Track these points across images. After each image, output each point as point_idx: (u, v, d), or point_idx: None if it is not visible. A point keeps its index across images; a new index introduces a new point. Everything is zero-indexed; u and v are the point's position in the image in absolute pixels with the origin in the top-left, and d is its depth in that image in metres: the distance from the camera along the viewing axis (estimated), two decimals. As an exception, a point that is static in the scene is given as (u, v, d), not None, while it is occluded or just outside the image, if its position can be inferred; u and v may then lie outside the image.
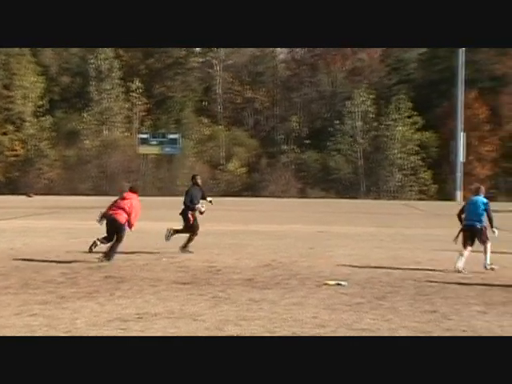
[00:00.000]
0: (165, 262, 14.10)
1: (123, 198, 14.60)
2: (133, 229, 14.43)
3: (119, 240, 14.15)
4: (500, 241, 20.92)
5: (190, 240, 15.84)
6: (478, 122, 66.69)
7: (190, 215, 15.86)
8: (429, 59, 72.98)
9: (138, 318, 8.37)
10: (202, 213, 16.05)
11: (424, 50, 71.56)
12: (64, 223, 25.41)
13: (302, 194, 66.14)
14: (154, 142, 68.78)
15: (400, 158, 67.88)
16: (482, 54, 66.55)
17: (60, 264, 13.47)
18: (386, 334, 7.65)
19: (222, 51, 76.12)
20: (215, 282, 11.47)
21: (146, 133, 70.22)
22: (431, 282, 11.82)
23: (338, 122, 69.44)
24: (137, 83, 71.52)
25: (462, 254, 13.54)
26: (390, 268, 13.54)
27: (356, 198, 64.04)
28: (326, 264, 14.04)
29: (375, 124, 69.07)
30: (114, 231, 14.15)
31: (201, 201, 16.24)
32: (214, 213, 32.79)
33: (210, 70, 77.52)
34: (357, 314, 8.81)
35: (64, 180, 68.68)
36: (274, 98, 77.15)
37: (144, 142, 68.96)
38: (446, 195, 63.82)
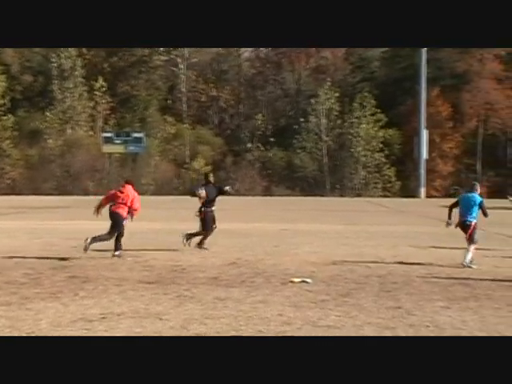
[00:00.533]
0: (130, 261, 14.04)
1: (121, 192, 15.11)
2: (136, 214, 15.10)
3: (112, 234, 14.73)
4: (457, 236, 21.19)
5: (205, 237, 16.12)
6: (441, 119, 67.44)
7: (198, 214, 16.14)
8: (391, 57, 73.60)
9: (103, 317, 8.32)
10: (200, 197, 16.13)
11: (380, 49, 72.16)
12: (28, 223, 25.14)
13: (267, 192, 66.29)
14: (119, 141, 68.37)
15: (364, 155, 68.36)
16: (443, 52, 67.30)
17: (23, 265, 13.33)
18: (351, 330, 7.70)
19: (186, 49, 75.91)
20: (180, 280, 11.44)
21: (110, 132, 69.78)
22: (395, 278, 11.93)
23: (302, 119, 69.73)
24: (100, 82, 71.03)
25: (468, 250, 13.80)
26: (355, 265, 13.63)
27: (321, 195, 64.37)
28: (291, 262, 14.09)
29: (339, 122, 69.47)
30: (119, 224, 14.75)
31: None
32: (179, 212, 32.72)
33: (175, 69, 77.26)
34: (322, 310, 8.85)
35: (27, 179, 67.99)
36: (238, 96, 77.19)
37: (108, 140, 68.52)
38: (409, 192, 64.45)
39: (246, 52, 79.56)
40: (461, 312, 8.88)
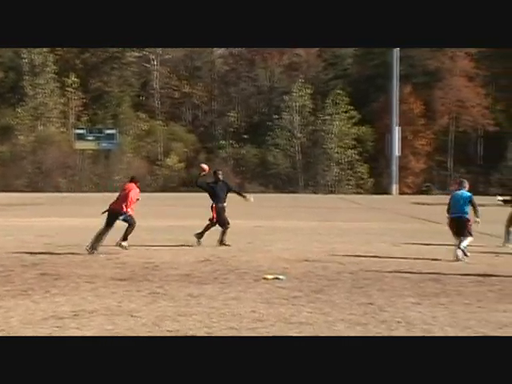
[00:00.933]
0: (102, 258, 13.97)
1: (123, 189, 15.49)
2: (129, 211, 15.13)
3: (131, 226, 15.14)
4: (429, 232, 21.40)
5: (223, 233, 16.37)
6: (413, 116, 67.90)
7: (213, 212, 16.35)
8: (364, 55, 73.93)
9: (75, 315, 8.28)
10: (204, 170, 16.71)
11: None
12: (-2, 221, 24.93)
13: (241, 189, 66.35)
14: (91, 138, 67.98)
15: (337, 152, 68.63)
16: (416, 49, 67.77)
17: (-6, 262, 13.21)
18: (323, 326, 7.74)
19: (159, 46, 75.68)
20: (153, 278, 11.41)
21: (83, 128, 69.34)
22: (367, 274, 12.00)
23: (275, 116, 69.83)
24: (72, 78, 70.51)
25: (457, 245, 14.18)
26: (328, 261, 13.69)
27: (294, 192, 64.53)
28: (264, 258, 14.11)
29: (313, 119, 69.66)
30: (114, 220, 15.03)
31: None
32: (153, 208, 32.61)
33: (147, 65, 76.96)
34: (294, 307, 8.88)
35: (-2, 176, 67.36)
36: (211, 93, 77.10)
37: (80, 137, 68.09)
38: (381, 189, 64.85)
39: (219, 49, 79.48)
40: (432, 308, 8.96)
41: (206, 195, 16.89)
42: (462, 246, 14.16)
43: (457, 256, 14.06)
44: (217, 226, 16.56)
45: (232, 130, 73.31)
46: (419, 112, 68.28)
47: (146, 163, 69.35)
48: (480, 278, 11.67)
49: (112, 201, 15.54)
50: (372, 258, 14.30)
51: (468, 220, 14.46)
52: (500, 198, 17.49)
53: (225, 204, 16.70)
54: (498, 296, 9.98)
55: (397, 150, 64.21)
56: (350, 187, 68.40)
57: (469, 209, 14.56)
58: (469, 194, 14.66)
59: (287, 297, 9.65)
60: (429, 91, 68.49)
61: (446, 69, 69.56)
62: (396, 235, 20.05)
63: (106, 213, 15.22)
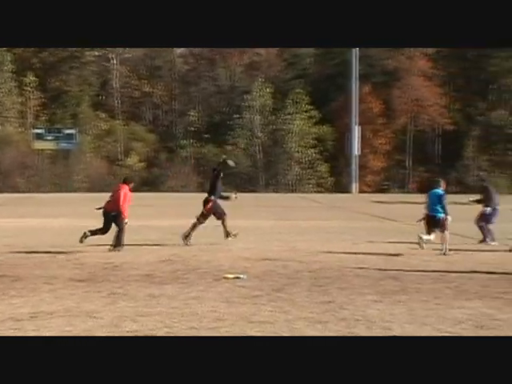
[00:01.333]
0: (61, 259, 13.84)
1: (116, 190, 15.60)
2: (126, 216, 15.31)
3: (120, 229, 15.20)
4: (388, 230, 21.62)
5: (224, 226, 16.67)
6: (372, 115, 68.42)
7: (208, 205, 16.64)
8: (324, 54, 74.29)
9: (33, 317, 8.20)
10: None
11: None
12: (-45, 222, 24.52)
13: (202, 189, 66.16)
14: (50, 137, 67.21)
15: (298, 151, 68.86)
16: (374, 49, 68.33)
17: (-50, 264, 13.01)
18: (284, 325, 7.78)
19: (119, 45, 75.06)
20: (113, 278, 11.35)
21: (41, 128, 68.52)
22: (327, 273, 12.08)
23: (236, 116, 69.82)
24: (30, 77, 69.64)
25: (421, 237, 15.08)
26: (288, 260, 13.75)
27: (255, 191, 64.57)
28: (225, 258, 14.12)
29: (273, 118, 69.81)
30: (110, 222, 15.24)
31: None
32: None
33: (107, 64, 76.36)
34: (255, 306, 8.91)
35: (-45, 177, 66.24)
36: (172, 93, 76.77)
37: (39, 137, 67.29)
38: (342, 187, 65.25)
39: (180, 48, 79.19)
40: (391, 305, 9.06)
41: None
42: (445, 252, 14.78)
43: (421, 244, 14.98)
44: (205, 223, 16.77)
45: (193, 129, 73.10)
46: (378, 111, 68.86)
47: (106, 163, 68.81)
48: (437, 275, 11.84)
49: (104, 202, 15.67)
50: (332, 257, 14.40)
51: (442, 220, 15.05)
52: (471, 199, 18.35)
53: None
54: (455, 293, 10.14)
55: (356, 149, 64.65)
56: (310, 186, 68.67)
57: (443, 206, 15.14)
58: (441, 192, 15.33)
59: (248, 296, 9.68)
60: (388, 90, 69.09)
61: (404, 68, 70.23)
62: (356, 233, 20.21)
63: (102, 214, 15.43)
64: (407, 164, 70.56)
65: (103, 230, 15.48)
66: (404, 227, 22.54)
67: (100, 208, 15.60)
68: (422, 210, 15.98)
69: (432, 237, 15.18)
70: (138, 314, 8.32)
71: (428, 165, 67.77)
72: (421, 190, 56.12)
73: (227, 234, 16.74)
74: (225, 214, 16.82)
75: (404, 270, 12.37)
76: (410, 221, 23.90)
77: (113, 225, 15.40)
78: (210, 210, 16.70)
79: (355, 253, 15.15)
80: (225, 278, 11.37)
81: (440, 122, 69.18)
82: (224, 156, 17.93)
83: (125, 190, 15.47)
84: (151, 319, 8.04)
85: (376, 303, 9.20)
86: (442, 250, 14.90)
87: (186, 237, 16.53)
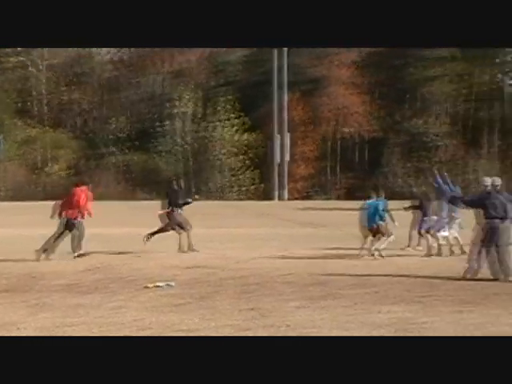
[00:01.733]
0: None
1: (72, 195, 15.67)
2: (91, 214, 15.72)
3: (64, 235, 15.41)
4: (314, 236, 21.86)
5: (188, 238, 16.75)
6: (299, 122, 69.11)
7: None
8: (252, 61, 74.68)
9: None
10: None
11: (247, 51, 73.12)
12: None
13: (130, 196, 65.59)
14: (-27, 145, 65.61)
15: (224, 158, 68.96)
16: (301, 56, 69.10)
17: None
18: (209, 333, 7.83)
19: (45, 50, 73.80)
20: (37, 288, 11.21)
21: (-36, 135, 66.81)
22: (254, 280, 12.19)
23: (164, 122, 69.51)
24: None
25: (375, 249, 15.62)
26: (216, 267, 13.81)
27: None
28: (153, 266, 14.10)
29: (200, 125, 69.74)
30: (69, 229, 15.38)
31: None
32: (36, 217, 31.80)
33: (33, 69, 75.00)
34: (180, 314, 8.95)
35: None
36: (99, 99, 75.92)
37: (-38, 145, 65.60)
38: (268, 195, 65.62)
39: (108, 54, 78.32)
40: (314, 311, 9.21)
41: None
42: (374, 248, 15.54)
43: (373, 256, 15.47)
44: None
45: (120, 136, 72.40)
46: (305, 118, 69.59)
47: (30, 171, 67.53)
48: (358, 281, 12.08)
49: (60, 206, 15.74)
50: (260, 264, 14.52)
51: (380, 225, 15.71)
52: (406, 206, 18.83)
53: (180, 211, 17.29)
54: (374, 298, 10.39)
55: (282, 156, 65.15)
56: (237, 193, 68.83)
57: (383, 216, 15.83)
58: (381, 202, 16.05)
59: (174, 304, 9.72)
60: (315, 98, 69.90)
61: (330, 76, 71.16)
62: (283, 240, 20.38)
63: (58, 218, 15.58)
64: (329, 171, 71.40)
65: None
66: (330, 233, 22.87)
67: (56, 215, 15.69)
68: (356, 219, 16.53)
69: (381, 244, 15.72)
70: (61, 325, 8.25)
71: (354, 171, 68.82)
72: (347, 197, 56.97)
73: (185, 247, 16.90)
74: (190, 226, 17.11)
75: (327, 276, 12.58)
76: (336, 227, 24.32)
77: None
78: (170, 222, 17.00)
79: (281, 259, 15.32)
80: (152, 286, 11.34)
81: (365, 129, 70.39)
82: (175, 178, 18.81)
83: (82, 192, 15.65)
84: (73, 329, 7.99)
85: (300, 309, 9.34)
86: (374, 252, 15.48)
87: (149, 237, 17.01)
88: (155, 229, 17.31)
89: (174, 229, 17.02)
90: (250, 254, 16.49)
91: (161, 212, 17.48)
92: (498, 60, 60.35)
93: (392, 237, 15.93)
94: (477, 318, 8.75)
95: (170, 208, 17.12)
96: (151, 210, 17.53)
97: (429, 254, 16.01)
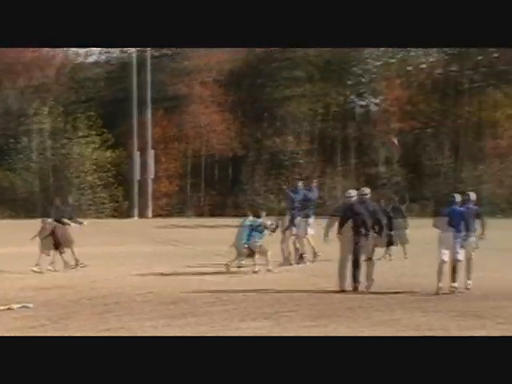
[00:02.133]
0: None
1: None
2: None
3: None
4: (183, 255, 22.02)
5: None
6: (163, 139, 69.13)
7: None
8: (115, 78, 74.05)
9: None
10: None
11: (108, 67, 72.65)
12: None
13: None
14: None
15: (84, 176, 67.65)
16: (164, 73, 69.37)
17: None
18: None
19: None
20: None
21: None
22: (113, 298, 12.22)
23: (21, 139, 67.50)
24: None
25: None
26: (76, 287, 13.74)
27: (33, 217, 62.55)
28: (11, 286, 13.84)
29: (60, 142, 68.22)
30: None
31: None
32: None
33: None
34: (39, 335, 8.89)
35: None
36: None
37: None
38: (130, 212, 64.97)
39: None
40: (173, 329, 9.38)
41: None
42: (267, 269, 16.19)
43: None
44: None
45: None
46: (169, 135, 69.66)
47: None
48: (218, 298, 12.31)
49: None
50: (120, 282, 14.54)
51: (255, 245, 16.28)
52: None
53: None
54: (232, 314, 10.70)
55: (139, 174, 64.89)
56: (95, 212, 67.49)
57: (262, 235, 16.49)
58: (258, 221, 16.72)
59: (33, 325, 9.64)
60: (177, 115, 70.18)
61: (192, 94, 71.73)
62: (144, 258, 20.28)
63: None
64: (192, 188, 71.66)
65: None
66: (192, 251, 23.04)
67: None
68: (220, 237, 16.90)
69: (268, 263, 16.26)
70: None
71: (220, 188, 69.50)
72: (211, 214, 57.53)
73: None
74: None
75: (191, 293, 12.78)
76: (199, 244, 24.52)
77: None
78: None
79: (143, 276, 15.41)
80: (8, 308, 11.15)
81: (228, 147, 71.30)
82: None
83: None
84: None
85: (156, 329, 9.44)
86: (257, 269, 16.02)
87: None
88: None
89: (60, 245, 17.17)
90: (110, 272, 16.43)
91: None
92: (350, 82, 63.01)
93: (269, 252, 16.36)
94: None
95: (53, 225, 17.22)
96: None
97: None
